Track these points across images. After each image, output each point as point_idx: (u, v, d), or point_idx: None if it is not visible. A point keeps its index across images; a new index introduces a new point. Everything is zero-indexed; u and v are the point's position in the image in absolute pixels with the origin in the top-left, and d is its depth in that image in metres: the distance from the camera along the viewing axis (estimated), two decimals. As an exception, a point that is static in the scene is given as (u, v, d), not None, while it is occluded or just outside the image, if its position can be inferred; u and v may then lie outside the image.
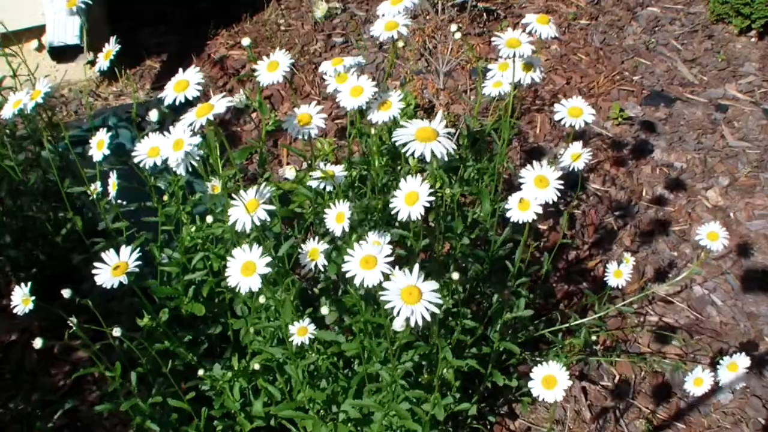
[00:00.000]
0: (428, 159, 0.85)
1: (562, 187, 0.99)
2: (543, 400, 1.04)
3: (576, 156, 1.12)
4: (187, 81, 0.88)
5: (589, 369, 1.52)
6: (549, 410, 1.45)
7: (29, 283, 1.11)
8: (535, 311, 1.52)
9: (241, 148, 1.88)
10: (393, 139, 0.88)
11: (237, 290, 0.89)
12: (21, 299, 1.11)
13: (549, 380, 1.05)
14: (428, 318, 0.80)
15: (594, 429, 1.44)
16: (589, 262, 1.71)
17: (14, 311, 1.11)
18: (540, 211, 0.99)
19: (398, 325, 0.85)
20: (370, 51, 2.24)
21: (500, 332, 1.27)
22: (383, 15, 0.99)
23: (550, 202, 0.99)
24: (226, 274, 0.91)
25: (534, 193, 0.99)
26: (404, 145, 0.87)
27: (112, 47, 1.19)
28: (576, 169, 1.14)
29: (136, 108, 1.27)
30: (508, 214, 1.01)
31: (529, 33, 1.01)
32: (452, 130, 0.90)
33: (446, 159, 0.87)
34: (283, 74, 0.99)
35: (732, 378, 1.17)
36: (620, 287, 1.30)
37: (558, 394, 1.03)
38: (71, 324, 1.03)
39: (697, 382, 1.18)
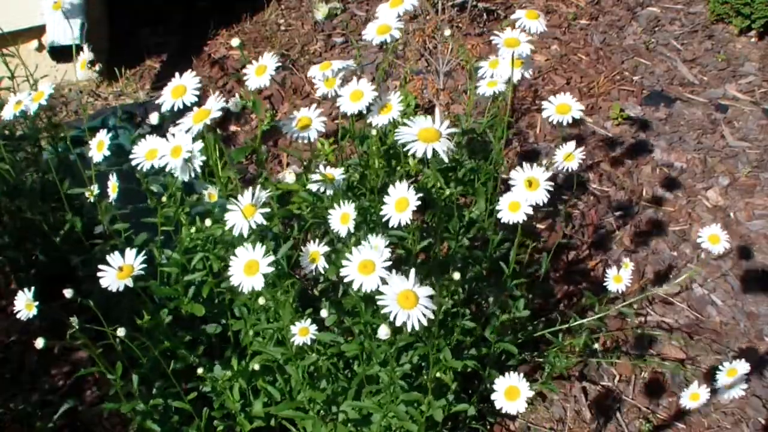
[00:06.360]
0: (430, 158, 0.85)
1: (552, 188, 1.00)
2: (506, 412, 1.04)
3: (569, 156, 1.13)
4: (184, 86, 0.87)
5: (589, 369, 1.52)
6: (549, 410, 1.45)
7: (32, 288, 1.09)
8: (535, 311, 1.52)
9: (238, 148, 1.88)
10: (395, 138, 0.87)
11: (239, 290, 0.89)
12: (24, 304, 1.09)
13: (511, 392, 1.05)
14: (425, 323, 0.80)
15: (594, 429, 1.44)
16: (588, 262, 1.71)
17: (18, 317, 1.08)
18: (530, 212, 0.99)
19: (383, 333, 0.85)
20: (370, 51, 2.24)
21: (498, 333, 1.27)
22: (379, 18, 0.99)
23: (541, 204, 0.99)
24: (228, 273, 0.90)
25: (524, 195, 0.99)
26: (405, 144, 0.87)
27: (86, 56, 1.21)
28: (570, 170, 1.14)
29: (136, 108, 1.27)
30: (499, 215, 1.01)
31: (520, 28, 1.01)
32: (456, 130, 0.90)
33: (447, 160, 0.87)
34: (269, 77, 0.99)
35: (729, 395, 1.18)
36: (620, 292, 1.30)
37: (520, 405, 1.04)
38: (72, 324, 1.03)
39: (693, 396, 1.17)
